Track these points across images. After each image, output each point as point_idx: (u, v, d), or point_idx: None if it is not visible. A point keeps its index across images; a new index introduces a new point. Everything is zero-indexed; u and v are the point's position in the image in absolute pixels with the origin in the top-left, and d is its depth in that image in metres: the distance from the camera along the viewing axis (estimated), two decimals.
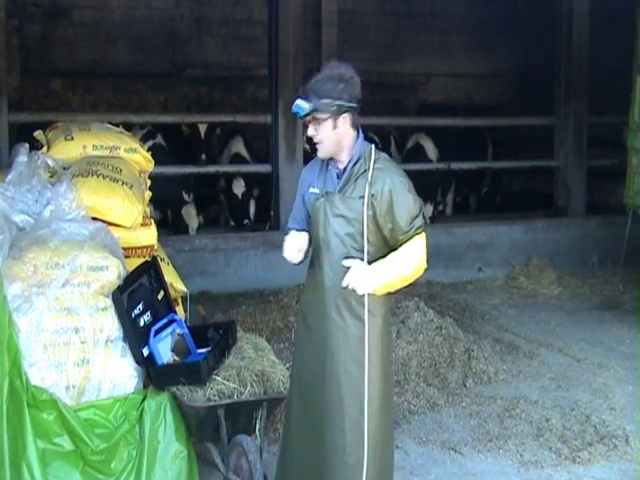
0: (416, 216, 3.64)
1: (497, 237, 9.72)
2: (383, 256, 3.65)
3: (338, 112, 3.61)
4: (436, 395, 5.94)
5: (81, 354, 4.17)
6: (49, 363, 4.13)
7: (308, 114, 3.61)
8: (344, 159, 3.70)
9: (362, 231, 3.61)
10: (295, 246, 3.72)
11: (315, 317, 3.73)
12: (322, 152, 3.71)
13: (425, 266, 3.67)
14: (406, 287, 3.75)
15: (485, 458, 5.13)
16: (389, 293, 3.73)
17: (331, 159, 3.73)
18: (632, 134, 8.41)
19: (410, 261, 3.62)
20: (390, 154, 11.71)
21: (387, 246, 3.67)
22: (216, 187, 10.31)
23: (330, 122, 3.63)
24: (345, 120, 3.65)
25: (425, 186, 10.18)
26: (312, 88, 3.64)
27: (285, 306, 7.54)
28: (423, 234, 3.67)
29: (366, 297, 3.61)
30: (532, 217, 10.53)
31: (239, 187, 9.66)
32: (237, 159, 10.06)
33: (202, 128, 9.44)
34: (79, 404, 4.17)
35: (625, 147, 8.56)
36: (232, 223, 10.23)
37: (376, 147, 3.77)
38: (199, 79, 12.10)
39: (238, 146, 10.19)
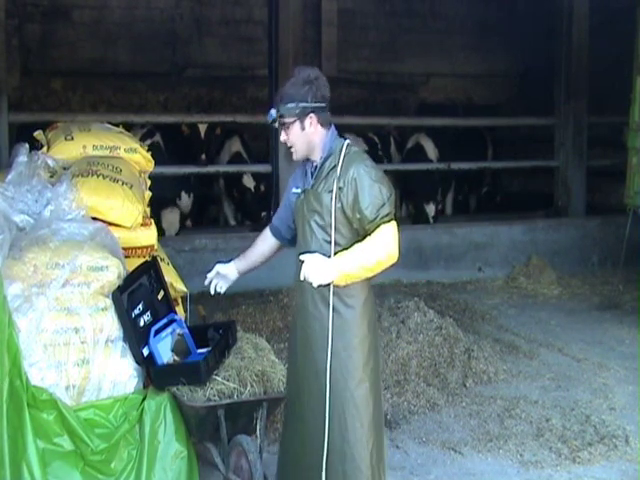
0: (382, 205, 3.68)
1: (497, 237, 9.72)
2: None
3: (303, 113, 3.76)
4: (436, 395, 5.94)
5: (81, 354, 4.17)
6: (49, 363, 4.13)
7: (275, 120, 3.80)
8: (317, 157, 3.83)
9: (331, 224, 3.71)
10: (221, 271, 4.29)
11: (297, 311, 3.88)
12: (296, 155, 3.87)
13: (395, 254, 3.70)
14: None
15: (485, 458, 5.13)
16: (370, 280, 3.79)
17: (307, 159, 3.87)
18: (632, 134, 8.41)
19: (374, 250, 3.66)
20: (390, 154, 11.74)
21: (359, 238, 3.73)
22: (213, 188, 10.31)
23: (297, 124, 3.79)
24: (312, 120, 3.79)
25: (425, 186, 10.22)
26: (279, 95, 3.84)
27: (285, 306, 7.54)
28: (392, 223, 3.70)
29: (331, 288, 3.69)
30: (532, 217, 10.52)
31: (249, 181, 9.67)
32: (237, 158, 10.06)
33: (202, 128, 9.43)
34: (79, 404, 4.17)
35: (625, 147, 8.57)
36: (232, 222, 10.22)
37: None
38: (199, 79, 12.09)
39: (237, 145, 10.19)
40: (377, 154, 10.03)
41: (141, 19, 11.78)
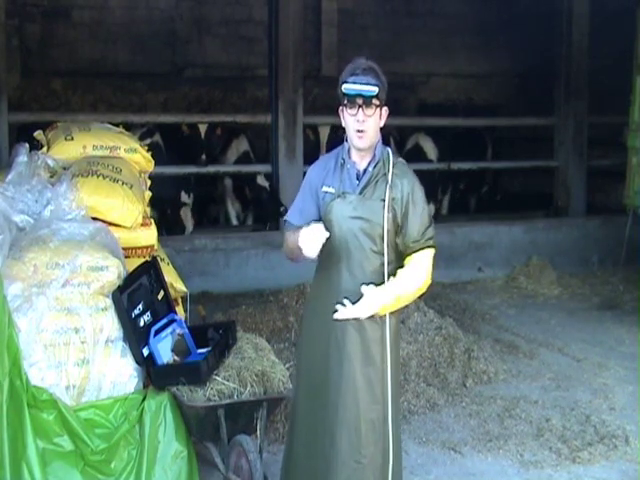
0: (428, 227, 3.62)
1: (497, 237, 9.72)
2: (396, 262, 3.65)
3: (384, 103, 3.59)
4: (436, 395, 5.94)
5: (81, 354, 4.17)
6: (49, 363, 4.13)
7: (368, 96, 3.51)
8: (367, 158, 3.64)
9: (381, 234, 3.58)
10: (319, 240, 3.45)
11: (327, 318, 3.63)
12: (366, 142, 3.58)
13: (429, 282, 3.68)
14: None
15: (485, 458, 5.13)
16: None
17: (349, 157, 3.65)
18: (632, 134, 8.41)
19: (416, 279, 3.63)
20: None
21: (399, 251, 3.65)
22: (215, 187, 10.31)
23: (378, 112, 3.57)
24: (385, 114, 3.62)
25: (425, 186, 10.19)
26: (372, 69, 3.58)
27: (285, 306, 7.53)
28: (433, 249, 3.65)
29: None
30: (532, 217, 10.53)
31: (263, 180, 9.66)
32: (245, 157, 10.06)
33: (202, 128, 9.43)
34: (79, 404, 4.17)
35: (625, 147, 8.57)
36: (235, 222, 10.20)
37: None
38: (199, 79, 12.10)
39: (245, 144, 10.19)
40: None
41: (141, 19, 11.79)
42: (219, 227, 10.37)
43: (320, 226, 3.48)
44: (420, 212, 3.61)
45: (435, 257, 3.76)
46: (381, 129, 3.67)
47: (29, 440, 4.00)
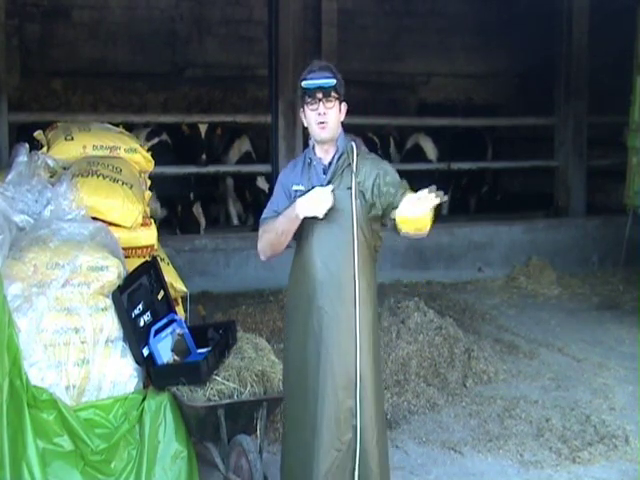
0: (402, 182, 3.74)
1: (497, 237, 9.71)
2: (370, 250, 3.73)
3: (343, 98, 3.74)
4: (436, 395, 5.94)
5: (81, 354, 4.18)
6: (49, 363, 4.14)
7: (328, 88, 3.65)
8: (331, 152, 3.76)
9: (351, 222, 3.67)
10: (327, 200, 3.63)
11: (305, 310, 3.77)
12: (327, 133, 3.73)
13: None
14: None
15: (485, 458, 5.13)
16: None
17: (314, 154, 3.78)
18: (632, 134, 8.41)
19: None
20: (389, 154, 11.74)
21: (369, 240, 3.70)
22: (215, 187, 10.30)
23: (337, 105, 3.73)
24: (344, 109, 3.77)
25: (424, 186, 10.18)
26: (328, 66, 3.74)
27: (285, 306, 7.53)
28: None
29: (357, 285, 3.67)
30: (532, 217, 10.53)
31: (263, 183, 9.66)
32: (248, 158, 10.06)
33: (202, 128, 9.43)
34: (79, 404, 4.17)
35: (625, 147, 8.57)
36: (236, 221, 10.20)
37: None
38: (199, 79, 12.09)
39: (247, 145, 10.19)
40: (376, 154, 10.00)
41: (141, 19, 11.78)
42: (219, 227, 10.37)
43: (328, 188, 3.64)
44: (392, 174, 3.74)
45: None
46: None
47: (29, 440, 4.00)
